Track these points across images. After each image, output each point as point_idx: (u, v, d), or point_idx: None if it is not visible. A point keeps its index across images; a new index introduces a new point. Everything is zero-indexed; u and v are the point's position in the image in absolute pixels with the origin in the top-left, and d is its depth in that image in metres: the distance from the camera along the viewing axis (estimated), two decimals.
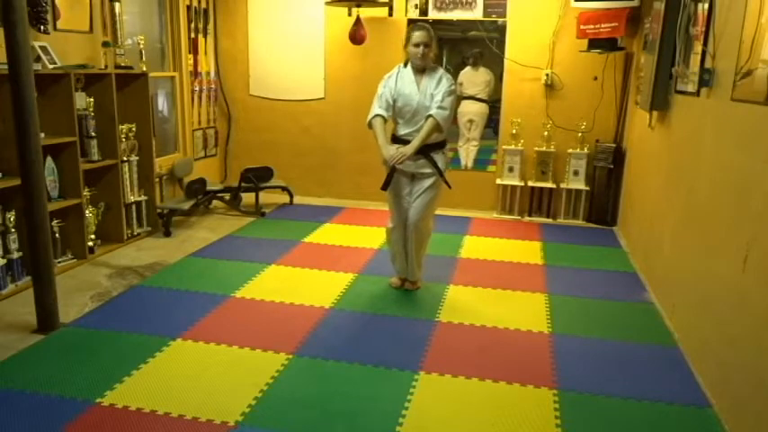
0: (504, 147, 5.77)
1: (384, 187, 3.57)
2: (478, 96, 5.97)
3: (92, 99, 4.28)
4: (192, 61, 5.77)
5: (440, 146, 3.56)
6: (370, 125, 3.56)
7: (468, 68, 5.95)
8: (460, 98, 5.99)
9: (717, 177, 2.86)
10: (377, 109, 3.52)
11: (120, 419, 2.38)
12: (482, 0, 5.58)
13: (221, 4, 6.14)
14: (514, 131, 5.68)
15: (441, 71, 3.51)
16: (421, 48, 3.41)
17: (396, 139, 3.56)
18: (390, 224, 3.73)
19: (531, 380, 2.77)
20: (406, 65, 3.54)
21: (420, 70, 3.50)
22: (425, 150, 3.48)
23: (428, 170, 3.55)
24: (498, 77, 5.77)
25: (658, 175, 4.02)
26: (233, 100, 6.34)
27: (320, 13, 5.91)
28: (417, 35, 3.42)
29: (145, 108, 4.72)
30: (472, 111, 6.01)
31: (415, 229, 3.62)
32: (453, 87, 3.49)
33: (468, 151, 6.10)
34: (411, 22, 5.74)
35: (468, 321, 3.40)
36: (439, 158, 3.54)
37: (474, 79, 5.95)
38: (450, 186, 3.66)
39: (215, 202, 5.80)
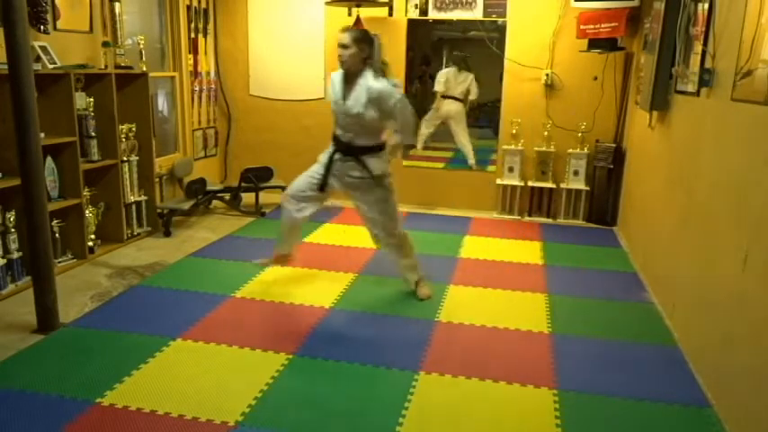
0: (504, 147, 5.77)
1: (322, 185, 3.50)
2: (457, 96, 6.09)
3: (92, 99, 4.28)
4: (191, 61, 5.77)
5: (374, 150, 3.44)
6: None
7: (452, 69, 6.05)
8: (442, 96, 6.10)
9: (717, 177, 2.86)
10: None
11: (120, 419, 2.38)
12: (482, 0, 5.58)
13: (221, 4, 6.14)
14: (514, 131, 5.68)
15: (369, 79, 3.31)
16: (340, 50, 3.30)
17: (335, 137, 3.54)
18: (286, 195, 3.61)
19: (531, 380, 2.77)
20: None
21: (351, 75, 3.36)
22: (356, 153, 3.43)
23: (357, 174, 3.44)
24: (499, 77, 5.77)
25: (658, 175, 4.02)
26: (233, 100, 6.34)
27: (320, 13, 5.91)
28: (340, 36, 3.32)
29: (145, 108, 4.72)
30: (452, 109, 6.11)
31: (388, 244, 3.61)
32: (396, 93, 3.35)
33: (464, 148, 6.14)
34: (411, 21, 5.76)
35: (468, 321, 3.40)
36: (372, 162, 3.42)
37: (456, 80, 6.05)
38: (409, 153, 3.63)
39: (215, 202, 5.80)
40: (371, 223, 3.60)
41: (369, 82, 3.31)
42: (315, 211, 3.61)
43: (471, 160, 6.12)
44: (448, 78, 6.06)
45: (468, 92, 6.06)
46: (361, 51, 3.30)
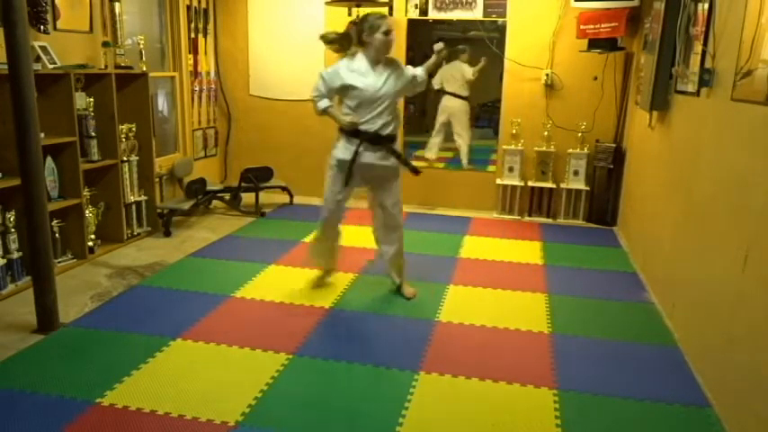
0: (504, 147, 5.77)
1: (347, 182, 3.49)
2: (458, 92, 6.03)
3: (92, 99, 4.28)
4: (192, 61, 5.77)
5: (394, 139, 3.50)
6: (323, 112, 3.47)
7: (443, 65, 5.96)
8: (442, 93, 6.07)
9: (717, 177, 2.86)
10: (325, 100, 3.43)
11: (120, 419, 2.38)
12: (482, 0, 5.58)
13: (221, 4, 6.14)
14: (514, 131, 5.68)
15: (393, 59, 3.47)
16: (391, 35, 3.36)
17: (356, 133, 3.41)
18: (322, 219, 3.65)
19: (531, 380, 2.77)
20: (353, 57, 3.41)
21: (377, 61, 3.38)
22: (385, 142, 3.43)
23: (389, 162, 3.47)
24: (499, 77, 5.77)
25: (658, 175, 4.02)
26: (233, 100, 6.34)
27: (320, 13, 5.91)
28: (389, 22, 3.34)
29: (145, 108, 4.72)
30: (451, 105, 6.11)
31: (398, 239, 3.67)
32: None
33: (460, 148, 6.13)
34: (411, 22, 5.76)
35: (468, 321, 3.40)
36: (397, 149, 3.51)
37: (450, 72, 6.01)
38: (417, 172, 3.61)
39: (215, 202, 5.80)
40: (387, 215, 3.60)
41: (396, 62, 3.43)
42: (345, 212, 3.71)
43: (464, 160, 6.13)
44: (442, 71, 6.00)
45: (468, 87, 6.02)
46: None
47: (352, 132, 3.42)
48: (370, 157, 3.43)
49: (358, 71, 3.36)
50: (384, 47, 3.35)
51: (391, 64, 3.43)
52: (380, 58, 3.39)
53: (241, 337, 3.10)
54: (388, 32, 3.32)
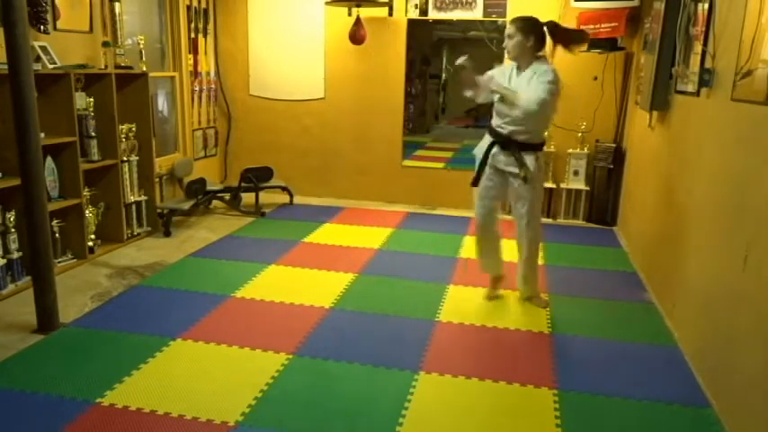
0: None
1: (474, 183, 3.51)
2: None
3: (92, 99, 4.28)
4: (192, 61, 5.77)
5: (532, 147, 3.35)
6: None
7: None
8: None
9: (717, 177, 2.86)
10: None
11: (120, 419, 2.38)
12: (482, 0, 5.58)
13: (221, 4, 6.14)
14: None
15: (536, 66, 3.29)
16: (506, 40, 3.33)
17: (491, 130, 3.45)
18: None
19: (531, 380, 2.77)
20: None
21: (517, 66, 3.36)
22: (516, 147, 3.35)
23: (514, 169, 3.37)
24: None
25: (658, 175, 4.02)
26: (233, 100, 6.34)
27: (320, 13, 5.91)
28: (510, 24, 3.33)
29: (145, 108, 4.72)
30: None
31: (522, 236, 3.54)
32: (549, 82, 3.22)
33: None
34: (411, 21, 5.76)
35: (468, 321, 3.40)
36: (530, 160, 3.34)
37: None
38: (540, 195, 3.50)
39: (215, 202, 5.80)
40: (516, 223, 3.53)
41: (536, 69, 3.28)
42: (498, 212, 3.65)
43: None
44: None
45: None
46: (526, 40, 3.28)
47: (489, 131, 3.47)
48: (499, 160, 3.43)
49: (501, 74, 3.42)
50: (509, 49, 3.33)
51: (534, 73, 3.29)
52: (520, 63, 3.36)
53: (241, 337, 3.10)
54: (507, 36, 3.31)
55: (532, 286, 3.67)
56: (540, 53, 3.36)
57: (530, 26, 3.31)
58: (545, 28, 3.35)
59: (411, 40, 5.89)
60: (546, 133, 3.53)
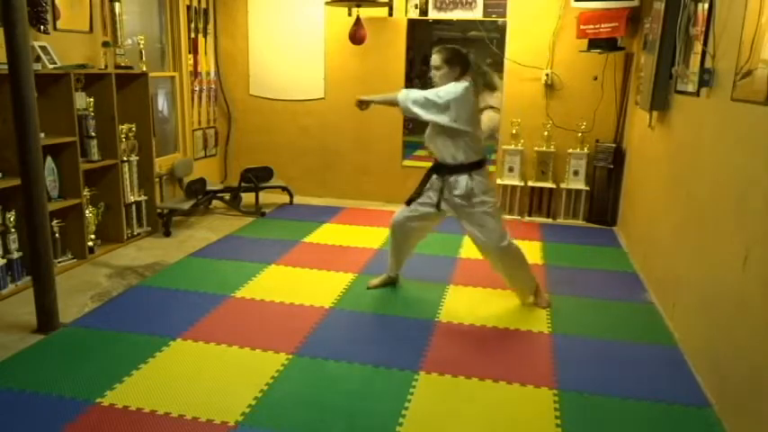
0: (503, 147, 5.76)
1: (408, 202, 3.58)
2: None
3: (92, 99, 4.28)
4: (192, 61, 5.77)
5: (467, 168, 3.34)
6: None
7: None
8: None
9: (717, 177, 2.86)
10: None
11: (121, 419, 2.38)
12: (482, 0, 5.58)
13: (221, 4, 6.14)
14: (514, 131, 5.68)
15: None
16: (432, 71, 3.36)
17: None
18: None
19: (531, 380, 2.77)
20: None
21: None
22: (446, 171, 3.39)
23: (451, 191, 3.38)
24: (499, 78, 5.77)
25: (658, 175, 4.02)
26: (233, 100, 6.34)
27: (320, 13, 5.91)
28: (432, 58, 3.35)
29: (145, 108, 4.72)
30: None
31: (494, 255, 3.50)
32: (447, 91, 3.24)
33: None
34: (411, 22, 5.76)
35: (468, 321, 3.40)
36: (462, 179, 3.34)
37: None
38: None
39: (215, 202, 5.80)
40: (477, 237, 3.48)
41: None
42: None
43: None
44: None
45: None
46: (451, 71, 3.31)
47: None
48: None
49: None
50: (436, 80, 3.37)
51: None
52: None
53: (241, 337, 3.10)
54: (434, 67, 3.35)
55: (527, 293, 3.65)
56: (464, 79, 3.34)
57: (454, 57, 3.33)
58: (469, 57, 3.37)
59: (411, 40, 5.89)
60: (487, 153, 3.52)
